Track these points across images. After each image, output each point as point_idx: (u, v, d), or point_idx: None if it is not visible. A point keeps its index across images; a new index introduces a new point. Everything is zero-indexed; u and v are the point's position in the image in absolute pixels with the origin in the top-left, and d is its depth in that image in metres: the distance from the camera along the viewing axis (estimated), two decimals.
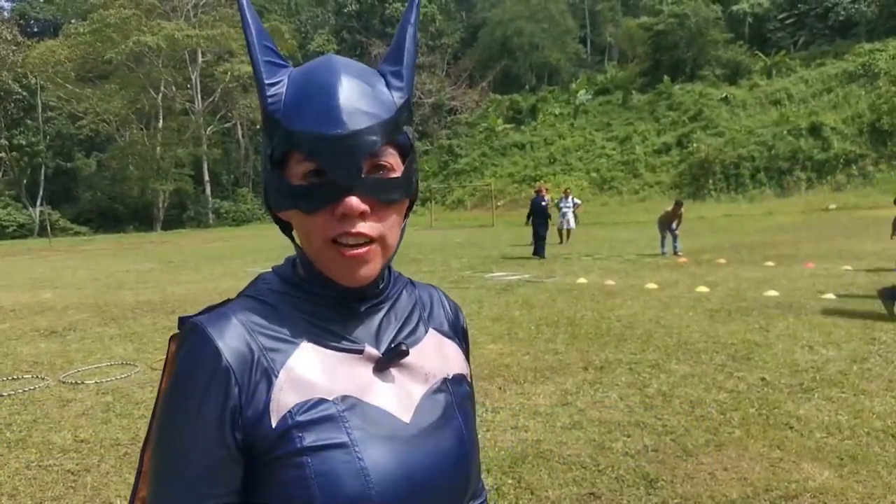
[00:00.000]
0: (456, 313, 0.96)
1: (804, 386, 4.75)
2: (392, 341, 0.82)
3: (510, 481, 3.45)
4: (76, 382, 5.75)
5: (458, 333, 0.94)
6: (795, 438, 3.82)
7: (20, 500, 3.51)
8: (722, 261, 12.24)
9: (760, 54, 36.62)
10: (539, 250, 14.94)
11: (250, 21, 0.78)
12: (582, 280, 10.69)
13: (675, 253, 13.74)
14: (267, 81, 0.77)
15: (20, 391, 5.56)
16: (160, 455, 0.73)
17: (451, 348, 0.90)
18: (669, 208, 14.41)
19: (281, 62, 0.79)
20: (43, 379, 5.95)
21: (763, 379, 4.96)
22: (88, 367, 6.34)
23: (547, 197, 19.43)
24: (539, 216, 15.19)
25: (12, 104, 43.94)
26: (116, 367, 6.32)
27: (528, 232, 15.87)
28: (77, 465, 3.94)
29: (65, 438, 4.39)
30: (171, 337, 0.78)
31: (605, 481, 3.40)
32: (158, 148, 44.44)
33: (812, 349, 5.75)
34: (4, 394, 5.49)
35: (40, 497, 3.53)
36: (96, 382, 5.72)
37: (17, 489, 3.65)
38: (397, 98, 0.78)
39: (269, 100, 0.76)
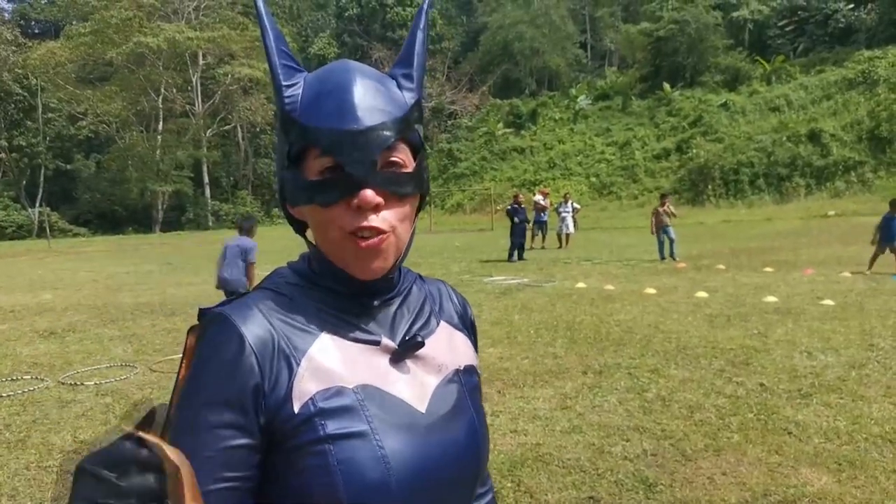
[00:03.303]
0: (464, 306, 0.99)
1: (803, 391, 4.77)
2: (406, 333, 0.84)
3: (509, 485, 3.45)
4: (76, 384, 5.75)
5: (467, 326, 0.97)
6: (794, 444, 3.83)
7: (20, 501, 3.51)
8: (721, 266, 12.26)
9: (760, 60, 36.64)
10: (511, 255, 15.44)
11: (268, 26, 0.81)
12: (581, 284, 10.71)
13: (673, 258, 13.76)
14: (284, 83, 0.80)
15: (20, 392, 5.57)
16: (181, 436, 0.73)
17: (462, 340, 0.93)
18: (660, 207, 14.35)
19: (297, 67, 0.82)
20: (42, 380, 5.96)
21: (762, 384, 4.97)
22: (88, 368, 6.35)
23: (546, 200, 19.54)
24: (516, 223, 15.59)
25: (12, 105, 43.89)
26: (116, 368, 6.33)
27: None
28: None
29: (64, 439, 4.39)
30: (191, 329, 0.78)
31: (604, 485, 3.41)
32: (158, 150, 44.45)
33: (811, 355, 5.76)
34: (4, 395, 5.49)
35: (40, 498, 3.54)
36: (96, 384, 5.72)
37: (16, 490, 3.65)
38: (409, 98, 0.83)
39: (287, 100, 0.79)
